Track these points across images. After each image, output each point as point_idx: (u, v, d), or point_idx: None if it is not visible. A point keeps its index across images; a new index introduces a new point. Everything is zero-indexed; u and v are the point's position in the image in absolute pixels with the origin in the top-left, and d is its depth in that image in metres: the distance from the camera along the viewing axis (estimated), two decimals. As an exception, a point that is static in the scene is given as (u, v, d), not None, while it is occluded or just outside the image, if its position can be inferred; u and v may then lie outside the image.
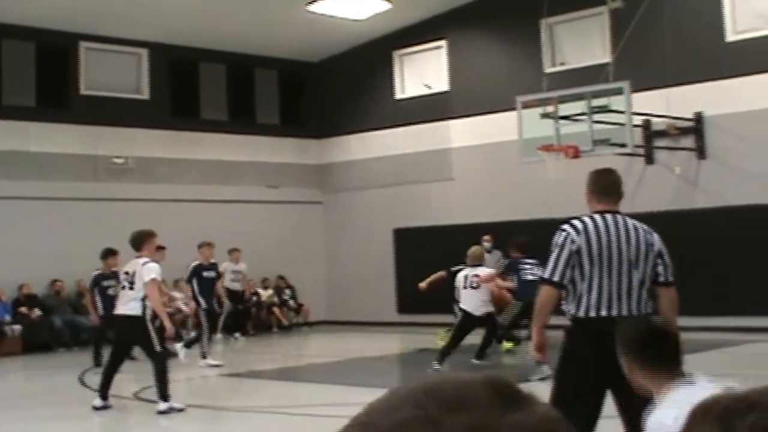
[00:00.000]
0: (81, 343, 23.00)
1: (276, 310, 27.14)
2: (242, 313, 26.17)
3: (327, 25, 26.11)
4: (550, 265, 7.19)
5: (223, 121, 27.97)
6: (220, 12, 24.73)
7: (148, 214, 25.35)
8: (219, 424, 13.62)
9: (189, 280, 19.46)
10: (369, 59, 28.23)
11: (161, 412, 13.25)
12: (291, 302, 27.77)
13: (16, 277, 22.20)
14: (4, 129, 23.80)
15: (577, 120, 20.47)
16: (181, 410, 13.42)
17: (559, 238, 7.23)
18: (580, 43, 24.60)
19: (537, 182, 23.45)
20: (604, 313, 7.07)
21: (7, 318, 22.17)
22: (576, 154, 19.95)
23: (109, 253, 18.62)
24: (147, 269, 13.53)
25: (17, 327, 21.87)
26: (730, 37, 22.12)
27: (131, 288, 13.57)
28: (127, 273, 13.82)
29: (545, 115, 20.55)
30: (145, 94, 26.57)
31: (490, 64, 26.04)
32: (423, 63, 27.66)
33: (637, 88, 20.28)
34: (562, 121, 20.59)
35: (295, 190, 28.84)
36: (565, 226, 7.27)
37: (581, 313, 7.13)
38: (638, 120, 21.33)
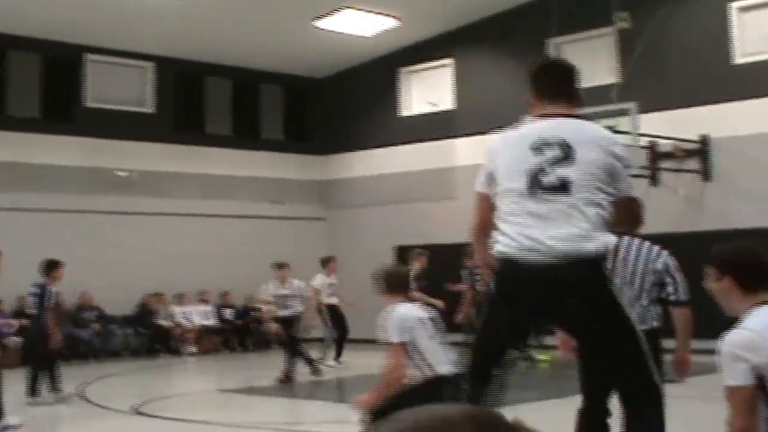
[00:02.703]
0: (80, 356, 22.96)
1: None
2: (242, 329, 26.21)
3: (333, 41, 26.07)
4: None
5: (228, 135, 27.93)
6: (226, 26, 24.70)
7: (151, 227, 25.40)
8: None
9: None
10: (375, 76, 28.20)
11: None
12: (293, 318, 27.64)
13: (18, 288, 22.00)
14: (9, 140, 23.77)
15: (583, 140, 20.40)
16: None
17: None
18: (587, 62, 24.46)
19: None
20: None
21: (8, 330, 22.07)
22: (583, 174, 19.89)
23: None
24: None
25: (18, 339, 21.69)
26: (738, 59, 22.05)
27: None
28: None
29: (552, 135, 20.48)
30: (149, 108, 26.53)
31: (496, 83, 25.96)
32: (429, 81, 27.61)
33: (643, 110, 20.23)
34: (568, 142, 20.52)
35: (298, 206, 28.78)
36: None
37: None
38: (644, 141, 21.24)
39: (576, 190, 5.69)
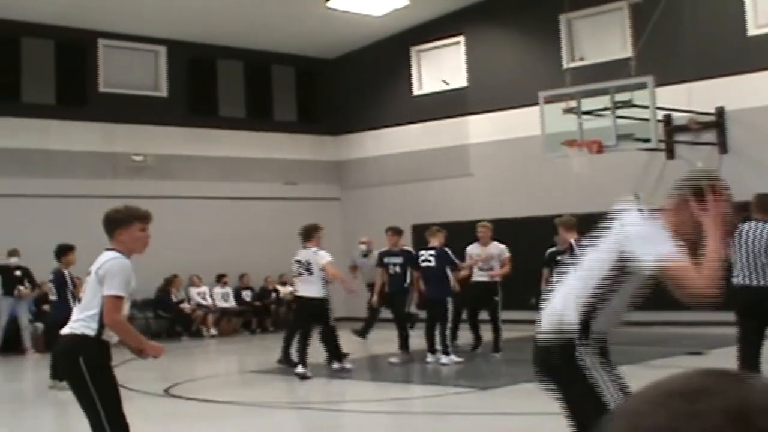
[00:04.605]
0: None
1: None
2: (262, 310, 26.35)
3: (344, 21, 26.11)
4: None
5: (241, 118, 28.02)
6: (238, 8, 24.74)
7: (166, 211, 25.28)
8: (252, 419, 13.58)
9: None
10: (386, 55, 28.24)
11: (335, 370, 16.57)
12: (310, 299, 27.76)
13: (38, 274, 22.07)
14: (25, 127, 23.87)
15: (599, 115, 20.44)
16: (349, 370, 16.60)
17: None
18: (599, 38, 24.55)
19: (557, 178, 23.46)
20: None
21: (30, 316, 22.18)
22: (600, 149, 19.95)
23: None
24: (320, 255, 16.16)
25: (39, 325, 21.83)
26: (752, 31, 22.07)
27: (310, 274, 16.20)
28: (300, 261, 16.42)
29: (568, 110, 20.52)
30: (163, 92, 26.61)
31: (508, 60, 26.00)
32: (440, 59, 27.65)
33: (658, 83, 20.25)
34: (584, 117, 20.57)
35: (313, 186, 28.87)
36: None
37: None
38: (659, 115, 21.27)
39: None
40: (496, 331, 18.18)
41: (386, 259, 18.54)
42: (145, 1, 23.75)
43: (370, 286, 21.49)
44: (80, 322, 7.36)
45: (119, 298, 7.30)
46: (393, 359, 17.91)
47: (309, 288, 16.34)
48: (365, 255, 22.35)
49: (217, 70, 27.85)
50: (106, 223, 7.65)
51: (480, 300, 18.37)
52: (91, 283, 7.41)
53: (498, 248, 18.40)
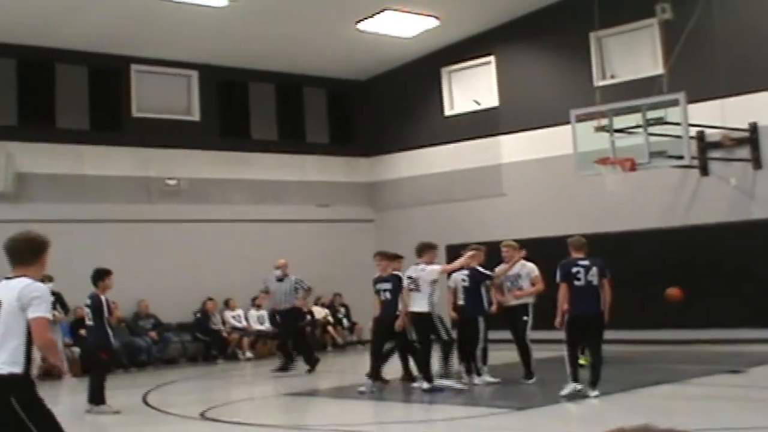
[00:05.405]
0: (138, 364, 23.17)
1: (330, 328, 27.14)
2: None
3: (375, 43, 26.18)
4: None
5: (273, 140, 28.11)
6: (268, 32, 24.86)
7: (200, 234, 25.60)
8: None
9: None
10: (417, 76, 28.27)
11: (425, 390, 16.41)
12: (345, 321, 27.75)
13: (72, 299, 22.15)
14: (59, 152, 24.09)
15: (631, 133, 20.37)
16: (441, 390, 16.30)
17: None
18: (630, 55, 24.49)
19: (591, 196, 23.39)
20: None
21: (67, 340, 22.27)
22: (632, 167, 19.88)
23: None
24: (428, 272, 16.56)
25: (76, 349, 21.94)
26: (784, 45, 21.99)
27: (418, 290, 16.60)
28: (410, 278, 16.77)
29: (600, 129, 20.46)
30: (195, 116, 26.75)
31: (539, 79, 25.97)
32: (472, 79, 27.66)
33: (690, 100, 20.16)
34: (616, 134, 20.50)
35: (346, 208, 28.92)
36: None
37: None
38: (692, 131, 21.14)
39: None
40: (524, 354, 17.50)
41: (377, 286, 17.83)
42: (176, 26, 23.89)
43: (278, 313, 22.27)
44: (1, 359, 6.92)
45: (48, 320, 7.08)
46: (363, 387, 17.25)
47: (417, 303, 16.66)
48: (280, 279, 22.14)
49: (249, 93, 27.96)
50: (34, 249, 7.48)
51: (506, 321, 17.85)
52: (9, 314, 7.02)
53: (526, 267, 17.85)
